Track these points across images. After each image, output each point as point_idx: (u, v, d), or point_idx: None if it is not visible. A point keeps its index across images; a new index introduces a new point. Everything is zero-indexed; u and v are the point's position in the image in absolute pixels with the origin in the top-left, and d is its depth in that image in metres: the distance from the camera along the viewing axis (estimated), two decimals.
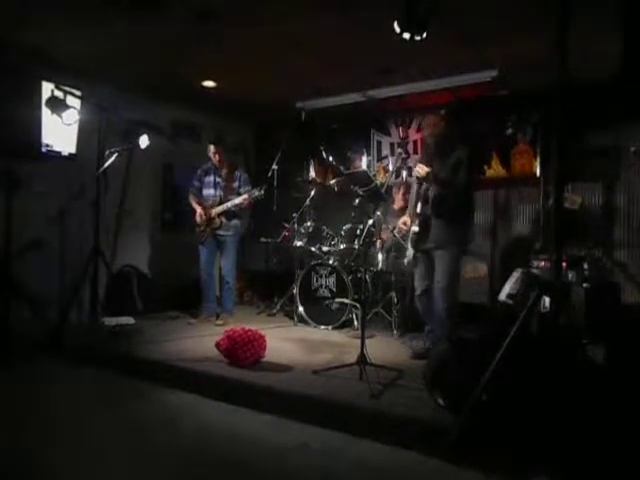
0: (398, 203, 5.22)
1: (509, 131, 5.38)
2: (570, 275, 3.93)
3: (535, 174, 5.26)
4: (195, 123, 6.26)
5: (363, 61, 4.54)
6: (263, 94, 5.55)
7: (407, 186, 4.85)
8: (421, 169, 3.55)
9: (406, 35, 3.24)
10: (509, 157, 5.44)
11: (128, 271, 5.43)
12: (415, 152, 5.99)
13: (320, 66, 4.69)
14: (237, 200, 4.78)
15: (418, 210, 3.67)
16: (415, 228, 3.68)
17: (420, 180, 3.62)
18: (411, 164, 5.88)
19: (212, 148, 4.94)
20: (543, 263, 4.14)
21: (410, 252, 3.75)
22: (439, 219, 3.60)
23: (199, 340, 4.20)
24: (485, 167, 5.47)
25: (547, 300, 2.89)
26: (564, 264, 3.86)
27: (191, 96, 5.61)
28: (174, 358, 3.63)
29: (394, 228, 4.65)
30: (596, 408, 2.24)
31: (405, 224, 3.85)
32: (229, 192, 4.93)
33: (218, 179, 4.98)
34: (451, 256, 3.58)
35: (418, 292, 3.79)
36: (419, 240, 3.68)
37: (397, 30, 3.23)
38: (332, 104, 5.74)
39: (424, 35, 3.24)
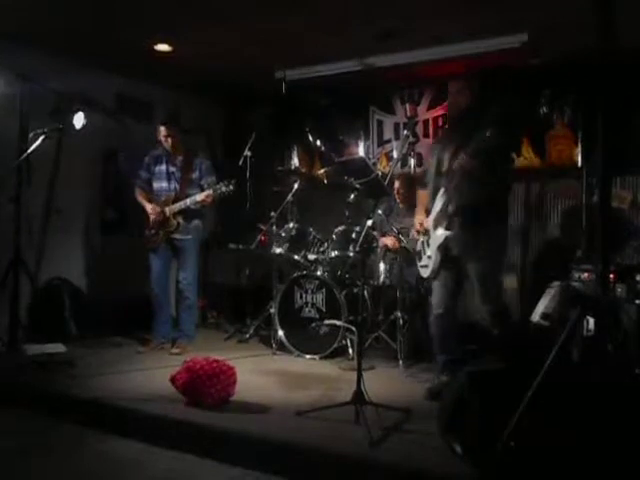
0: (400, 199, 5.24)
1: (543, 110, 5.44)
2: (619, 289, 3.96)
3: (576, 164, 5.32)
4: (146, 98, 6.25)
5: (361, 21, 4.57)
6: (233, 61, 5.55)
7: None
8: (463, 161, 3.49)
9: None
10: (543, 142, 5.50)
11: (58, 285, 5.38)
12: (426, 135, 6.03)
13: (306, 25, 4.71)
14: (198, 197, 4.78)
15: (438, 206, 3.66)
16: (442, 232, 3.64)
17: (462, 173, 3.52)
18: (420, 150, 5.92)
19: (163, 130, 4.94)
20: (586, 275, 4.17)
21: (427, 260, 3.76)
22: (470, 220, 3.62)
23: (150, 374, 4.17)
24: (514, 155, 5.51)
25: (591, 321, 2.91)
26: (612, 276, 3.89)
27: (141, 63, 5.60)
28: (117, 397, 3.59)
29: (400, 231, 4.67)
30: None
31: (422, 225, 3.83)
32: (186, 185, 4.93)
33: (172, 168, 4.98)
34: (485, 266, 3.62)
35: (440, 311, 3.79)
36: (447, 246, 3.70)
37: None
38: (321, 74, 5.75)
39: None
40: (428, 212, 3.87)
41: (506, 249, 3.91)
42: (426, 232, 3.82)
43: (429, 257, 3.77)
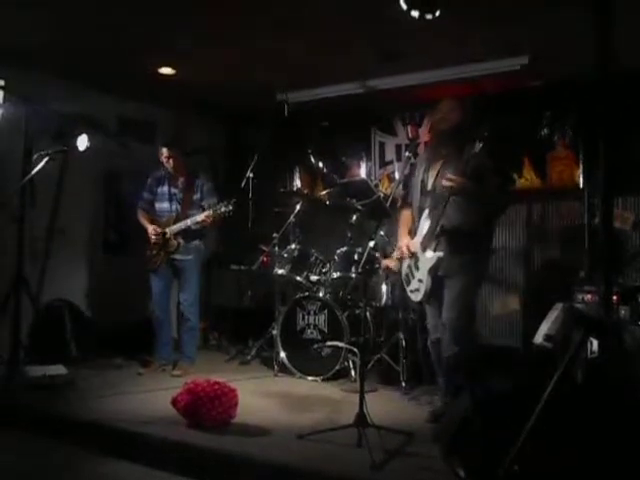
0: None
1: (544, 131, 5.47)
2: (623, 311, 3.95)
3: (577, 185, 5.33)
4: (149, 120, 6.30)
5: (363, 44, 4.62)
6: (234, 82, 5.60)
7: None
8: (452, 181, 3.42)
9: (414, 13, 3.32)
10: (544, 163, 5.52)
11: (60, 306, 5.37)
12: None
13: (307, 47, 4.76)
14: (198, 217, 4.79)
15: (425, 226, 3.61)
16: (432, 254, 3.55)
17: (451, 192, 3.46)
18: None
19: (165, 152, 4.96)
20: (589, 296, 4.16)
21: (418, 284, 3.67)
22: (456, 240, 3.58)
23: (151, 396, 4.17)
24: (515, 176, 5.53)
25: (595, 342, 2.90)
26: (615, 297, 3.88)
27: (144, 86, 5.66)
28: (118, 419, 3.58)
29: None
30: None
31: (408, 247, 3.73)
32: (188, 206, 4.95)
33: (174, 189, 5.01)
34: (464, 284, 3.59)
35: (437, 335, 3.73)
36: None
37: (403, 7, 3.30)
38: (323, 96, 5.81)
39: (436, 13, 3.32)
40: (411, 233, 3.83)
41: (487, 270, 3.93)
42: (412, 255, 3.72)
43: (420, 281, 3.65)
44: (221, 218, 4.78)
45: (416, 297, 3.75)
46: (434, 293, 3.65)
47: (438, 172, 3.63)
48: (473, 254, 3.60)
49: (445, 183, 3.46)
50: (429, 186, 3.68)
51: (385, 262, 4.96)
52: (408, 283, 3.81)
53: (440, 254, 3.55)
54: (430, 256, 3.58)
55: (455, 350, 3.54)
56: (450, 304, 3.59)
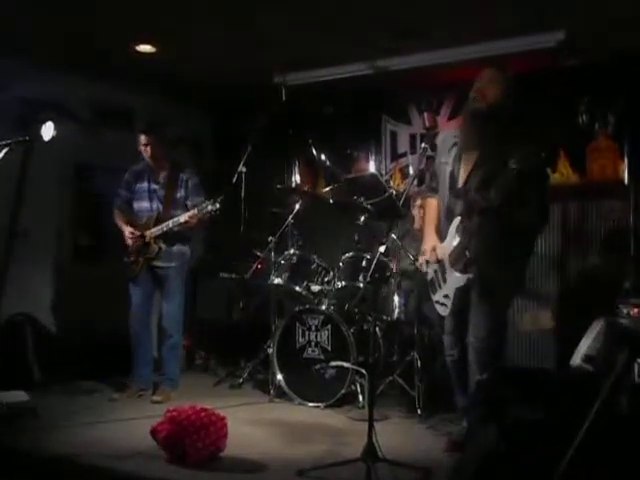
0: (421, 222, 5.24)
1: (583, 119, 5.46)
2: None
3: (621, 181, 5.33)
4: (126, 105, 6.33)
5: (372, 19, 4.62)
6: (225, 63, 5.61)
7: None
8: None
9: None
10: (583, 156, 5.52)
11: (21, 322, 5.39)
12: None
13: (308, 22, 4.77)
14: (182, 218, 4.77)
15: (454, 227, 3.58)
16: (461, 275, 3.54)
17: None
18: None
19: (142, 138, 4.96)
20: (636, 310, 4.14)
21: (445, 299, 3.68)
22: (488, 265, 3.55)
23: (127, 425, 4.18)
24: (549, 170, 5.52)
25: None
26: None
27: (120, 66, 5.67)
28: (88, 453, 3.57)
29: (415, 258, 4.65)
30: None
31: (434, 251, 3.71)
32: (170, 205, 4.95)
33: (154, 186, 5.01)
34: (496, 303, 3.60)
35: (449, 352, 3.79)
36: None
37: None
38: (326, 78, 5.82)
39: None
40: (438, 232, 3.80)
41: (523, 286, 4.00)
42: (439, 261, 3.72)
43: (446, 296, 3.69)
44: (207, 218, 4.77)
45: (443, 311, 3.75)
46: (457, 308, 3.67)
47: (472, 169, 3.55)
48: (507, 276, 3.59)
49: (473, 198, 3.45)
50: (460, 181, 3.61)
51: (397, 269, 4.96)
52: (434, 291, 3.82)
53: (470, 276, 3.55)
54: (458, 276, 3.59)
55: (484, 376, 3.53)
56: (479, 323, 3.59)
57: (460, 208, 3.58)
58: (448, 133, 3.92)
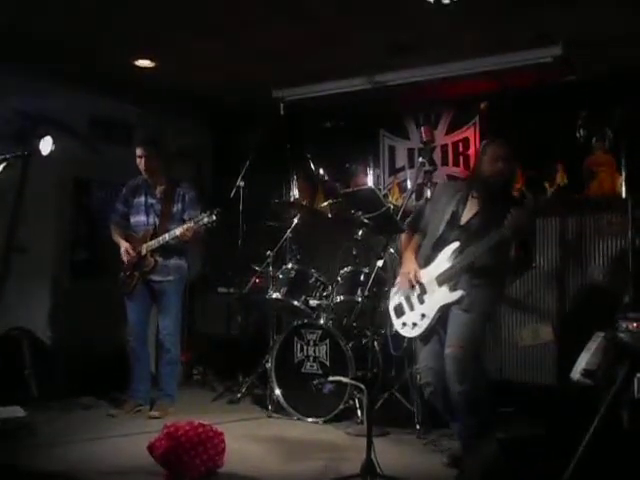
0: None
1: (580, 134, 5.47)
2: None
3: (619, 195, 5.33)
4: (126, 120, 6.33)
5: (370, 34, 4.64)
6: (224, 78, 5.63)
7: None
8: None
9: None
10: (581, 171, 5.52)
11: (17, 337, 5.35)
12: (444, 162, 6.06)
13: (307, 37, 4.79)
14: (177, 231, 4.75)
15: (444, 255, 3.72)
16: (450, 292, 3.66)
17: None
18: (438, 180, 5.94)
19: (138, 150, 4.96)
20: (635, 324, 4.13)
21: (419, 319, 3.75)
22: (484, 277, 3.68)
23: (124, 441, 4.16)
24: (546, 184, 5.54)
25: None
26: None
27: (120, 81, 5.69)
28: (86, 469, 3.56)
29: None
30: None
31: (415, 276, 3.79)
32: (167, 219, 4.95)
33: (151, 200, 5.00)
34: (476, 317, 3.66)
35: (424, 381, 3.84)
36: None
37: None
38: (325, 93, 5.85)
39: None
40: (417, 258, 3.90)
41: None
42: (419, 285, 3.79)
43: (423, 315, 3.75)
44: (203, 231, 4.76)
45: (410, 332, 3.84)
46: (434, 329, 3.75)
47: (478, 211, 3.73)
48: (497, 289, 3.83)
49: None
50: (463, 221, 3.76)
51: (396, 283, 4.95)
52: (400, 314, 3.89)
53: (463, 292, 3.63)
54: (448, 293, 3.68)
55: (462, 388, 3.54)
56: (462, 332, 3.63)
57: (458, 237, 3.70)
58: (448, 188, 4.16)
